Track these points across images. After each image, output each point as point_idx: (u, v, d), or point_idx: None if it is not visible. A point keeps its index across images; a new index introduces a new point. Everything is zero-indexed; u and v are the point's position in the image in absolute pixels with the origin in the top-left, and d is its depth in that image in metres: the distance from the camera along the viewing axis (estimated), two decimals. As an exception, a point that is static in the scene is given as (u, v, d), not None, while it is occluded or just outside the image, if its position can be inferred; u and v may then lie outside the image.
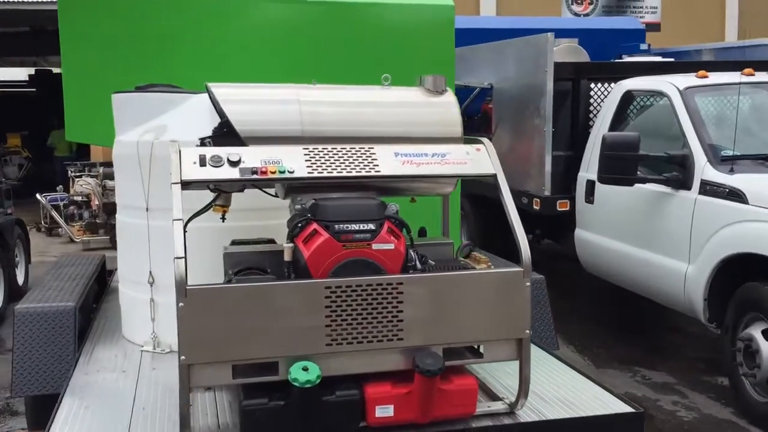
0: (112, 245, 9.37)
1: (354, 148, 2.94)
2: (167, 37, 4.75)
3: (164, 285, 3.78)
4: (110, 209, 9.72)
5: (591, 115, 6.24)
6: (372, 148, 2.96)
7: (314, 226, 2.76)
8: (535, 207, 6.25)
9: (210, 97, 3.29)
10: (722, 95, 5.29)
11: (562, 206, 6.14)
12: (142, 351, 3.80)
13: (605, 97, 6.19)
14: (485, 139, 3.12)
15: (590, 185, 5.83)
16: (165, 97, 3.90)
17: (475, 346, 2.93)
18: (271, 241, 3.43)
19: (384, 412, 2.74)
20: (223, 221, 3.31)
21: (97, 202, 9.81)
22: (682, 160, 4.88)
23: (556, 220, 6.39)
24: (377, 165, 2.90)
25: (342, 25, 5.12)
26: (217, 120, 3.76)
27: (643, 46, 8.50)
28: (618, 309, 7.02)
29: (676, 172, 4.91)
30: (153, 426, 2.90)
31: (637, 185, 5.06)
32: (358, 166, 2.89)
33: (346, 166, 2.88)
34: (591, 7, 17.35)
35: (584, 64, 6.55)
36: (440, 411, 2.79)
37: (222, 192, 3.21)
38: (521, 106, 6.39)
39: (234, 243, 3.35)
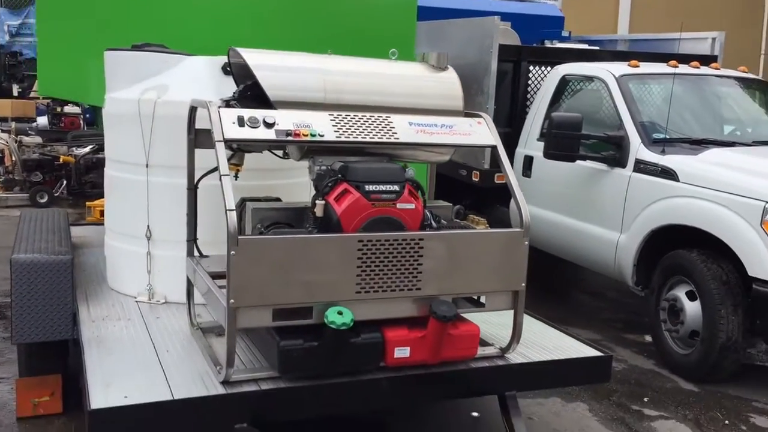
0: (31, 203, 9.18)
1: (373, 116, 3.23)
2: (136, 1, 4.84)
3: (161, 239, 3.96)
4: (30, 166, 9.48)
5: (529, 96, 6.73)
6: (389, 116, 3.25)
7: (345, 185, 3.04)
8: (474, 179, 6.69)
9: (230, 61, 3.49)
10: (651, 83, 5.89)
11: (499, 179, 6.60)
12: (137, 302, 3.96)
13: (542, 79, 6.69)
14: (484, 114, 3.49)
15: (528, 160, 6.32)
16: (162, 57, 4.03)
17: (475, 297, 3.32)
18: (278, 200, 3.68)
19: (401, 353, 3.08)
20: (236, 179, 3.54)
21: (13, 158, 9.51)
22: (619, 140, 5.42)
23: (486, 193, 6.84)
24: (396, 133, 3.21)
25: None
26: (219, 82, 3.97)
27: (564, 33, 9.09)
28: (541, 275, 7.61)
29: (613, 151, 5.46)
30: (186, 365, 3.11)
31: (577, 162, 5.58)
32: (379, 132, 3.18)
33: (369, 132, 3.16)
34: (495, -11, 18.03)
35: (525, 48, 7.00)
36: (448, 353, 3.16)
37: (239, 151, 3.44)
38: (465, 84, 6.73)
39: (243, 200, 3.57)
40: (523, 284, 3.25)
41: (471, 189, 6.87)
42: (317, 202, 3.04)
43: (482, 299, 3.29)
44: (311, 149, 3.28)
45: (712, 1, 21.17)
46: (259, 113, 3.06)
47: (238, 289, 2.79)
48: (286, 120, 3.07)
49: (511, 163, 6.52)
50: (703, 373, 4.72)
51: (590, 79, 6.10)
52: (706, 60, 6.87)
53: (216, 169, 3.46)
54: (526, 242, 3.23)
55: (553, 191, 6.00)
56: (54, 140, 10.31)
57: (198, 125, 3.49)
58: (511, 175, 3.33)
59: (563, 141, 5.42)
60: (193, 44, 4.43)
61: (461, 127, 3.38)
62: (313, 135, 3.07)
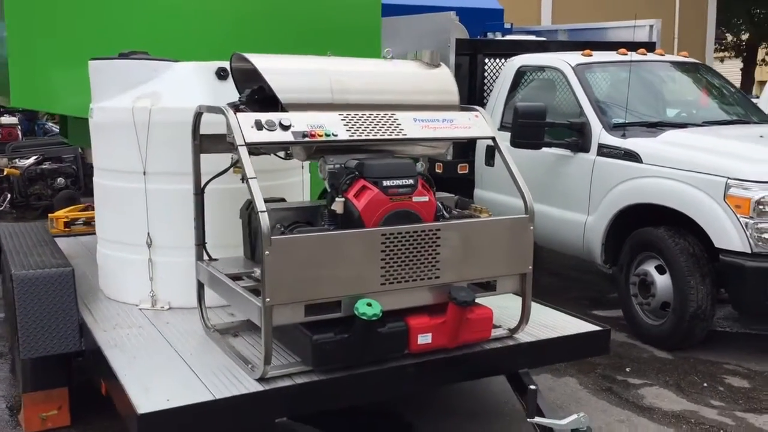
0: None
1: (380, 114, 3.35)
2: (109, 6, 4.80)
3: (162, 245, 3.98)
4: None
5: (486, 87, 6.95)
6: (394, 114, 3.38)
7: (363, 182, 3.15)
8: (437, 170, 6.88)
9: (232, 66, 3.55)
10: (605, 71, 6.19)
11: (462, 169, 6.82)
12: (140, 309, 3.97)
13: (498, 71, 6.93)
14: (479, 108, 3.66)
15: (490, 150, 6.54)
16: (151, 65, 4.05)
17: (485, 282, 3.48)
18: (282, 200, 3.76)
19: (424, 339, 3.22)
20: (242, 182, 3.60)
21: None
22: (581, 127, 5.69)
23: (448, 183, 7.01)
24: (402, 129, 3.34)
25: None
26: (211, 87, 4.03)
27: (507, 25, 9.36)
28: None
29: (575, 137, 5.72)
30: (213, 365, 3.17)
31: (542, 149, 5.82)
32: (388, 130, 3.31)
33: (378, 130, 3.29)
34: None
35: (481, 41, 7.23)
36: (465, 336, 3.32)
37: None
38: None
39: (249, 202, 3.64)
40: (530, 267, 3.44)
41: (434, 180, 7.02)
42: (337, 199, 3.15)
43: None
44: (319, 149, 3.37)
45: (627, -10, 22.05)
46: (275, 116, 3.13)
47: (273, 287, 2.87)
48: (300, 121, 3.16)
49: (472, 153, 6.80)
50: (675, 341, 5.04)
51: (546, 69, 6.36)
52: (646, 46, 7.25)
53: (223, 173, 3.59)
54: (532, 227, 3.42)
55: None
56: (-9, 152, 10.01)
57: (202, 130, 3.54)
58: (512, 164, 3.51)
59: (529, 130, 5.64)
60: (167, 50, 4.43)
61: (461, 121, 3.54)
62: (327, 135, 3.17)
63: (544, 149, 5.83)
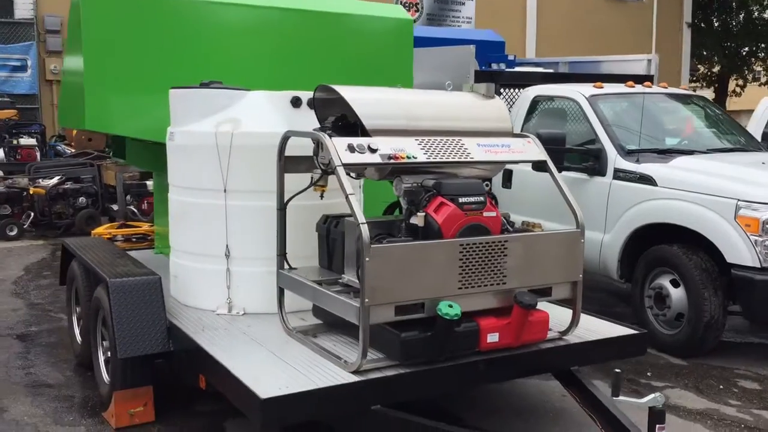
0: (0, 236, 9.18)
1: (449, 140, 3.79)
2: (168, 42, 5.21)
3: (239, 256, 4.36)
4: (-2, 200, 9.46)
5: (502, 115, 7.44)
6: (461, 140, 3.83)
7: (441, 199, 3.59)
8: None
9: (315, 96, 3.98)
10: (615, 102, 6.72)
11: (480, 191, 7.28)
12: (217, 314, 4.34)
13: (512, 100, 7.44)
14: (531, 134, 4.13)
15: (507, 173, 7.01)
16: (229, 93, 4.46)
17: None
18: (350, 215, 4.16)
19: (492, 338, 3.63)
20: (321, 199, 4.03)
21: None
22: (597, 152, 6.20)
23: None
24: (470, 153, 3.79)
25: (317, 32, 5.83)
26: (284, 114, 4.44)
27: (510, 57, 9.92)
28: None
29: (592, 162, 6.22)
30: (305, 361, 3.55)
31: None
32: (457, 153, 3.75)
33: (450, 153, 3.73)
34: (417, 14, 19.00)
35: (496, 72, 7.75)
36: (527, 336, 3.74)
37: (324, 173, 3.92)
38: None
39: (327, 217, 4.05)
40: (581, 275, 3.89)
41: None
42: (418, 214, 3.57)
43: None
44: (394, 169, 3.80)
45: (604, 28, 22.97)
46: (363, 141, 3.56)
47: (371, 290, 3.28)
48: (384, 145, 3.59)
49: (491, 176, 7.28)
50: (689, 349, 5.51)
51: (560, 99, 6.88)
52: (645, 79, 7.82)
53: (304, 190, 3.99)
54: (583, 240, 3.87)
55: (536, 200, 6.69)
56: (12, 172, 10.27)
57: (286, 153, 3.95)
58: (563, 184, 3.97)
59: (551, 154, 6.06)
60: (227, 80, 4.83)
61: (516, 146, 4.00)
62: (409, 157, 3.60)
63: (563, 173, 6.31)
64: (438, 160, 3.68)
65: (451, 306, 3.41)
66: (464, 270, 3.51)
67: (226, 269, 4.34)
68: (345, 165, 3.44)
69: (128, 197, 9.65)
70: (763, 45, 27.17)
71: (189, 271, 4.53)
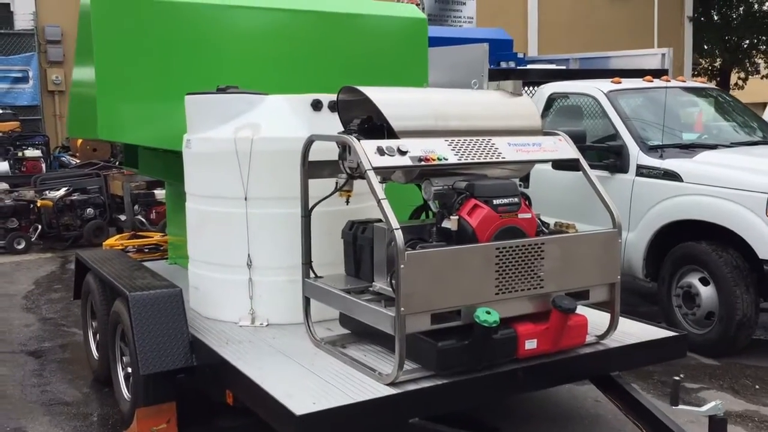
0: (8, 250, 9.06)
1: (479, 140, 3.65)
2: (180, 48, 5.07)
3: (261, 266, 4.22)
4: (6, 213, 9.32)
5: (517, 114, 7.31)
6: (491, 139, 3.69)
7: (474, 201, 3.45)
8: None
9: (338, 98, 3.84)
10: (634, 97, 6.59)
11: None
12: (240, 326, 4.20)
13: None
14: (561, 132, 3.99)
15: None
16: (247, 98, 4.32)
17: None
18: (379, 221, 4.03)
19: (530, 345, 3.49)
20: (347, 204, 3.89)
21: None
22: (619, 149, 6.06)
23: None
24: (501, 153, 3.65)
25: (331, 33, 5.69)
26: (305, 117, 4.31)
27: (519, 55, 9.79)
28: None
29: (613, 159, 6.08)
30: (337, 373, 3.41)
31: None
32: (488, 154, 3.62)
33: (480, 154, 3.59)
34: (418, 14, 18.84)
35: (511, 70, 7.61)
36: (565, 342, 3.60)
37: (350, 178, 3.77)
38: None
39: (353, 223, 3.91)
40: (619, 277, 3.75)
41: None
42: (451, 217, 3.43)
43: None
44: (423, 172, 3.66)
45: (606, 24, 22.89)
46: (392, 143, 3.43)
47: (407, 297, 3.14)
48: (414, 147, 3.45)
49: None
50: (721, 348, 5.36)
51: (577, 95, 6.74)
52: (659, 73, 7.69)
53: (329, 196, 3.85)
54: (620, 240, 3.73)
55: (556, 198, 6.55)
56: (18, 185, 10.14)
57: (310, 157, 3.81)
58: (597, 182, 3.83)
59: (571, 153, 5.98)
60: (242, 84, 4.69)
61: (547, 145, 3.86)
62: (440, 159, 3.47)
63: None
64: (469, 161, 3.54)
65: (489, 312, 3.27)
66: (501, 274, 3.37)
67: (248, 279, 4.20)
68: (375, 168, 3.30)
69: (136, 207, 9.51)
70: (764, 37, 27.09)
71: (209, 281, 4.39)
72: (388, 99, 3.61)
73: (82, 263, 5.15)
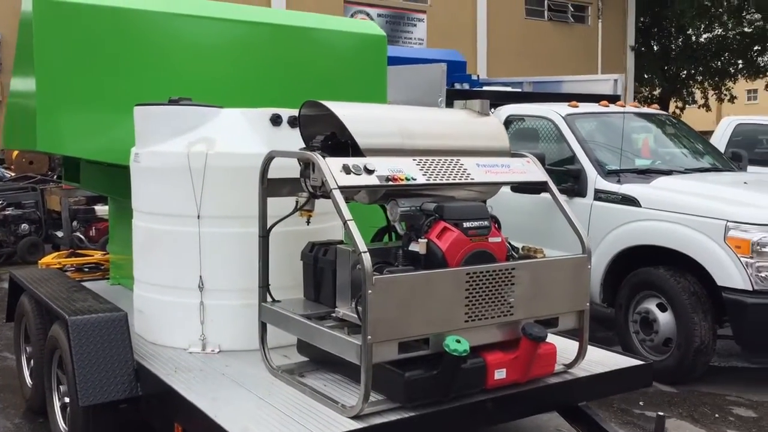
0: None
1: (448, 160, 3.51)
2: (127, 58, 4.82)
3: (213, 288, 3.98)
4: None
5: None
6: (460, 159, 3.55)
7: (444, 224, 3.29)
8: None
9: (300, 113, 3.66)
10: (590, 121, 6.57)
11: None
12: (190, 353, 3.95)
13: (484, 120, 7.23)
14: (529, 154, 3.88)
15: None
16: (201, 111, 4.10)
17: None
18: (341, 242, 3.84)
19: (500, 374, 3.34)
20: (308, 224, 3.69)
21: None
22: (577, 173, 6.02)
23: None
24: (470, 174, 3.52)
25: (288, 47, 5.51)
26: (262, 133, 4.12)
27: (474, 77, 9.77)
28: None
29: (571, 183, 6.03)
30: (297, 405, 3.19)
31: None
32: (457, 174, 3.48)
33: (449, 174, 3.45)
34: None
35: (468, 91, 7.54)
36: (534, 372, 3.46)
37: (312, 197, 3.59)
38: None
39: (313, 244, 3.72)
40: (588, 304, 3.64)
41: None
42: (420, 240, 3.27)
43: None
44: (388, 192, 3.50)
45: (553, 50, 23.31)
46: (359, 161, 3.25)
47: (374, 324, 2.96)
48: (381, 166, 3.29)
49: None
50: (679, 375, 5.31)
51: (534, 118, 6.69)
52: (611, 99, 7.73)
53: (289, 215, 3.65)
54: (589, 266, 3.62)
55: (515, 222, 6.45)
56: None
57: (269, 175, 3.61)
58: (566, 206, 3.73)
59: (530, 176, 5.91)
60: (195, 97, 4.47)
61: (516, 166, 3.74)
62: (407, 179, 3.31)
63: (541, 194, 6.10)
64: (438, 181, 3.39)
65: (459, 341, 3.11)
66: (471, 301, 3.22)
67: (199, 302, 3.95)
68: (341, 188, 3.12)
69: (75, 223, 9.09)
70: (701, 68, 28.00)
71: (157, 305, 4.12)
72: (353, 115, 3.45)
73: (17, 283, 4.81)
